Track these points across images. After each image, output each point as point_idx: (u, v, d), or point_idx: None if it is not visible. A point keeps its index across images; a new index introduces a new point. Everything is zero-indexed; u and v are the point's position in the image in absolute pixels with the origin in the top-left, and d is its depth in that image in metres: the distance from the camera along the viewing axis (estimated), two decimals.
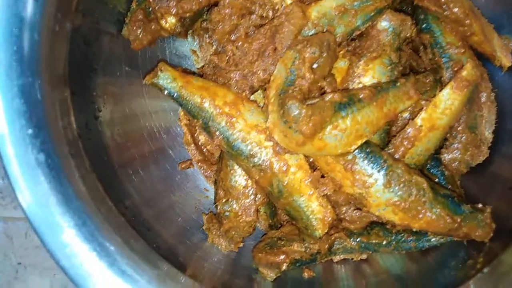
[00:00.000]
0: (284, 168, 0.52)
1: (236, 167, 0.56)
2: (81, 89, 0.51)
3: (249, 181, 0.55)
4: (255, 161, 0.52)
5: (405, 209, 0.49)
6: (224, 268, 0.57)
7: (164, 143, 0.64)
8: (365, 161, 0.50)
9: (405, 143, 0.51)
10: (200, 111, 0.53)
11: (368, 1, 0.53)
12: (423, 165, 0.54)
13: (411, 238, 0.55)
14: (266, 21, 0.55)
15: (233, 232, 0.57)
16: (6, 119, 0.39)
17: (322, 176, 0.53)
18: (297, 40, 0.50)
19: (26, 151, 0.39)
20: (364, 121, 0.48)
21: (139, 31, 0.58)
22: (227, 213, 0.56)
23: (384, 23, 0.53)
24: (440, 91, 0.52)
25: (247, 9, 0.55)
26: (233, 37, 0.56)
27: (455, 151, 0.55)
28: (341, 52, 0.55)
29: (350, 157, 0.50)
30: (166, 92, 0.54)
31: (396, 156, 0.52)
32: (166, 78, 0.54)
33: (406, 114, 0.54)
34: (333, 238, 0.56)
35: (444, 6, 0.54)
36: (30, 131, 0.39)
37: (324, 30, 0.52)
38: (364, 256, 0.59)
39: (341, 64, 0.54)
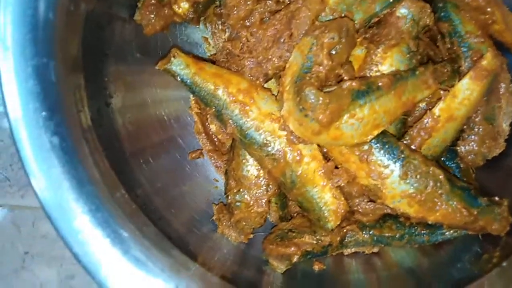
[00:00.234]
0: (298, 158, 0.51)
1: (248, 156, 0.55)
2: (93, 74, 0.50)
3: (261, 171, 0.54)
4: (269, 150, 0.51)
5: (420, 201, 0.48)
6: (234, 259, 0.57)
7: (175, 132, 0.64)
8: (381, 152, 0.49)
9: (422, 133, 0.50)
10: (213, 99, 0.52)
11: None
12: (439, 156, 0.53)
13: (424, 231, 0.54)
14: (282, 6, 0.54)
15: (244, 223, 0.56)
16: (20, 101, 0.38)
17: (336, 167, 0.52)
18: (315, 26, 0.49)
19: (39, 134, 0.38)
20: (382, 110, 0.47)
21: (152, 16, 0.57)
22: (238, 204, 0.55)
23: (403, 10, 0.52)
24: (459, 81, 0.51)
25: None
26: (247, 23, 0.55)
27: (472, 143, 0.54)
28: (359, 39, 0.53)
29: (366, 147, 0.49)
30: (179, 78, 0.53)
31: (413, 147, 0.51)
32: (179, 64, 0.53)
33: (422, 104, 0.53)
34: (345, 230, 0.56)
35: None
36: (44, 113, 0.39)
37: (342, 16, 0.51)
38: (375, 250, 0.58)
39: (358, 52, 0.53)
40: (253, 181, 0.55)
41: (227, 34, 0.59)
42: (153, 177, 0.56)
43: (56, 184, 0.38)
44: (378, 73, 0.51)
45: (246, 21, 0.54)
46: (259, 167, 0.54)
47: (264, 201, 0.55)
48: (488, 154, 0.55)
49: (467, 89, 0.51)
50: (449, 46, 0.56)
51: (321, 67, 0.47)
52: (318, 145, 0.51)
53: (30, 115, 0.38)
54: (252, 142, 0.52)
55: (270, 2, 0.54)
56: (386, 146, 0.49)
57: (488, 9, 0.52)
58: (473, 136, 0.54)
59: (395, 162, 0.48)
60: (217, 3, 0.60)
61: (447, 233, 0.54)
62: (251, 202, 0.55)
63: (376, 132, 0.48)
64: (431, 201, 0.48)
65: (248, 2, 0.53)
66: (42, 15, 0.40)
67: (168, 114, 0.63)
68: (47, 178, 0.38)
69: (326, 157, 0.52)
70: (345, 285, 0.57)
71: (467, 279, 0.48)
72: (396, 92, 0.48)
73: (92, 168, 0.40)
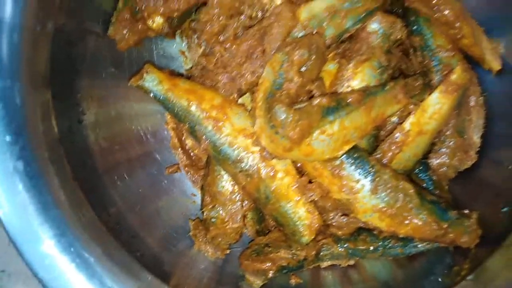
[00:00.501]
0: (272, 174, 0.51)
1: (223, 172, 0.55)
2: (64, 92, 0.50)
3: (236, 187, 0.54)
4: (242, 166, 0.51)
5: (391, 215, 0.49)
6: (211, 275, 0.57)
7: (151, 147, 0.63)
8: (352, 167, 0.49)
9: (393, 148, 0.51)
10: (186, 115, 0.52)
11: (358, 2, 0.52)
12: (411, 170, 0.54)
13: (398, 244, 0.55)
14: (256, 22, 0.54)
15: (220, 239, 0.56)
16: None
17: (310, 182, 0.52)
18: (286, 42, 0.49)
19: (4, 159, 0.38)
20: (352, 126, 0.48)
21: (125, 31, 0.56)
22: (213, 220, 0.55)
23: (374, 25, 0.53)
24: (429, 95, 0.52)
25: (236, 10, 0.54)
26: (221, 38, 0.55)
27: (443, 155, 0.55)
28: (331, 54, 0.54)
29: (337, 162, 0.49)
30: (152, 94, 0.53)
31: (384, 161, 0.52)
32: (152, 80, 0.53)
33: (394, 118, 0.54)
34: (320, 244, 0.56)
35: (435, 8, 0.54)
36: (8, 137, 0.38)
37: (314, 32, 0.51)
38: (351, 262, 0.59)
39: (330, 67, 0.53)
40: (228, 197, 0.55)
41: (202, 49, 0.59)
42: (128, 193, 0.56)
43: (21, 209, 0.38)
44: (349, 88, 0.51)
45: (220, 36, 0.55)
46: (234, 182, 0.54)
47: (239, 217, 0.55)
48: (459, 167, 0.56)
49: (437, 103, 0.52)
50: (421, 59, 0.56)
51: (292, 84, 0.47)
52: (292, 160, 0.52)
53: None
54: (226, 158, 0.52)
55: (244, 17, 0.54)
56: (357, 161, 0.49)
57: (457, 24, 0.53)
58: (444, 149, 0.55)
59: (366, 177, 0.49)
60: (192, 17, 0.60)
61: (419, 245, 0.55)
62: (226, 218, 0.55)
63: (347, 148, 0.48)
64: (401, 215, 0.49)
65: (222, 18, 0.54)
66: (6, 37, 0.39)
67: (145, 129, 0.63)
68: (12, 203, 0.38)
69: (301, 172, 0.53)
70: None
71: None
72: (366, 107, 0.48)
73: (58, 191, 0.40)
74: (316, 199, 0.51)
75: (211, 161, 0.56)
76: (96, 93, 0.57)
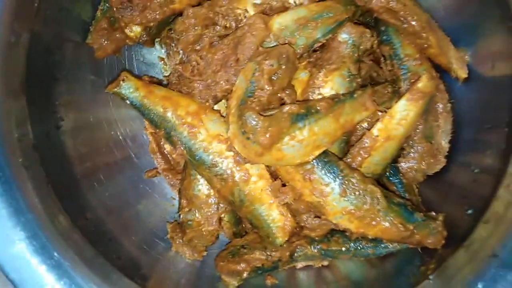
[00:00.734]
0: (245, 178, 0.53)
1: (199, 176, 0.56)
2: (41, 99, 0.51)
3: (212, 190, 0.56)
4: (217, 170, 0.53)
5: (360, 217, 0.50)
6: (189, 277, 0.58)
7: (130, 151, 0.65)
8: (323, 171, 0.51)
9: (362, 152, 0.53)
10: (162, 121, 0.54)
11: (329, 13, 0.54)
12: (381, 173, 0.56)
13: (369, 245, 0.57)
14: (230, 31, 0.56)
15: (196, 241, 0.58)
16: None
17: (284, 185, 0.54)
18: (258, 52, 0.51)
19: None
20: (321, 132, 0.50)
21: (103, 39, 0.58)
22: (190, 222, 0.57)
23: (344, 35, 0.55)
24: (396, 102, 0.54)
25: (211, 20, 0.56)
26: (197, 47, 0.56)
27: (412, 160, 0.57)
28: (303, 63, 0.56)
29: (308, 166, 0.51)
30: (128, 101, 0.54)
31: (354, 165, 0.54)
32: (128, 88, 0.54)
33: (365, 124, 0.56)
34: (294, 245, 0.57)
35: (402, 19, 0.56)
36: None
37: (285, 42, 0.53)
38: (325, 263, 0.60)
39: (302, 75, 0.55)
40: (204, 200, 0.56)
41: (179, 56, 0.60)
42: (107, 198, 0.57)
43: None
44: (320, 96, 0.53)
45: (196, 45, 0.56)
46: (210, 186, 0.56)
47: (214, 220, 0.56)
48: (428, 171, 0.58)
49: (403, 110, 0.54)
50: (391, 68, 0.59)
51: (263, 92, 0.49)
52: (266, 165, 0.53)
53: None
54: (201, 162, 0.53)
55: (219, 27, 0.56)
56: (327, 165, 0.51)
57: (423, 34, 0.55)
58: (412, 154, 0.57)
59: (335, 180, 0.51)
60: (170, 26, 0.62)
61: (390, 246, 0.56)
62: (202, 221, 0.56)
63: (317, 153, 0.50)
64: (369, 217, 0.51)
65: (197, 27, 0.55)
66: None
67: (124, 134, 0.64)
68: None
69: (275, 175, 0.54)
70: None
71: None
72: (334, 114, 0.50)
73: (31, 195, 0.41)
74: (289, 202, 0.53)
75: (188, 165, 0.58)
76: (75, 99, 0.58)
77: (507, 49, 0.50)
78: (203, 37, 0.56)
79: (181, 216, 0.58)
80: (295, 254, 0.58)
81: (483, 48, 0.57)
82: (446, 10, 0.60)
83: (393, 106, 0.54)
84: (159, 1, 0.54)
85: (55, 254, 0.39)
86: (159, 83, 0.64)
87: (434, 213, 0.54)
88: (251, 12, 0.55)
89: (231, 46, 0.54)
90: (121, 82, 0.54)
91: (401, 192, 0.59)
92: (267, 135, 0.47)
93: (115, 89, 0.54)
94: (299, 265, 0.60)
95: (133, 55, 0.67)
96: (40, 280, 0.39)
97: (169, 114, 0.53)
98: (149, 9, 0.54)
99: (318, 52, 0.57)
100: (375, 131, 0.53)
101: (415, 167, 0.57)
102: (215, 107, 0.56)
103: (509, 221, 0.43)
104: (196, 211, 0.56)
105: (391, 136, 0.54)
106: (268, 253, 0.57)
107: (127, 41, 0.58)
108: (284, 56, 0.49)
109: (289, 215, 0.54)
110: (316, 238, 0.58)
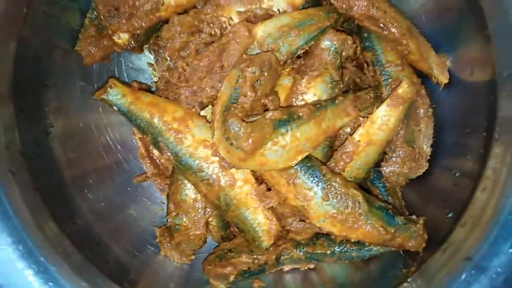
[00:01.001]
0: (231, 182, 0.54)
1: (186, 181, 0.57)
2: (30, 105, 0.52)
3: (199, 195, 0.57)
4: (203, 175, 0.54)
5: (342, 221, 0.52)
6: (178, 280, 0.59)
7: (120, 156, 0.66)
8: (306, 175, 0.52)
9: (345, 157, 0.54)
10: (149, 127, 0.55)
11: (311, 21, 0.55)
12: (364, 178, 0.57)
13: (353, 248, 0.58)
14: (216, 38, 0.57)
15: (184, 245, 0.59)
16: None
17: (269, 189, 0.55)
18: (241, 59, 0.53)
19: None
20: (304, 137, 0.51)
21: (91, 46, 0.59)
22: (177, 226, 0.58)
23: (326, 42, 0.56)
24: (377, 107, 0.55)
25: (196, 27, 0.57)
26: (184, 54, 0.58)
27: (394, 164, 0.58)
28: (286, 70, 0.57)
29: (292, 171, 0.52)
30: (115, 108, 0.56)
31: (337, 169, 0.55)
32: (115, 94, 0.55)
33: (348, 129, 0.57)
34: (280, 249, 0.59)
35: (383, 26, 0.57)
36: None
37: (269, 49, 0.54)
38: (311, 266, 0.61)
39: (286, 82, 0.56)
40: (191, 205, 0.57)
41: (167, 63, 0.61)
42: (96, 203, 0.58)
43: None
44: (303, 102, 0.54)
45: (182, 52, 0.57)
46: (197, 191, 0.57)
47: (201, 224, 0.57)
48: (410, 175, 0.59)
49: (384, 115, 0.55)
50: (373, 74, 0.60)
51: (246, 98, 0.50)
52: (251, 169, 0.54)
53: None
54: (187, 168, 0.54)
55: (205, 34, 0.57)
56: (310, 170, 0.52)
57: (403, 41, 0.57)
58: (394, 158, 0.58)
59: (317, 185, 0.52)
60: (158, 33, 0.63)
61: (373, 249, 0.58)
62: (189, 225, 0.57)
63: (300, 157, 0.51)
64: (351, 220, 0.52)
65: (183, 35, 0.56)
66: None
67: (113, 139, 0.65)
68: None
69: (260, 180, 0.56)
70: None
71: None
72: (316, 120, 0.51)
73: (18, 200, 0.42)
74: (274, 206, 0.54)
75: (175, 170, 0.59)
76: (64, 105, 0.59)
77: (484, 56, 0.52)
78: (189, 44, 0.57)
79: (169, 221, 0.58)
80: (281, 258, 0.59)
81: (462, 54, 0.58)
82: (427, 17, 0.62)
83: (374, 111, 0.55)
84: (145, 9, 0.55)
85: (42, 259, 0.40)
86: (148, 89, 0.65)
87: (415, 217, 0.55)
88: (236, 20, 0.56)
89: (216, 53, 0.55)
90: (109, 88, 0.55)
91: (384, 196, 0.60)
92: (250, 141, 0.48)
93: (103, 96, 0.55)
94: (286, 268, 0.61)
95: (123, 61, 0.68)
96: (27, 284, 0.39)
97: (155, 120, 0.55)
98: (136, 17, 0.55)
99: (301, 58, 0.58)
100: (356, 136, 0.54)
101: (397, 171, 0.58)
102: (201, 113, 0.57)
103: (484, 224, 0.44)
104: (184, 215, 0.57)
105: (373, 141, 0.55)
106: (255, 257, 0.58)
107: (115, 48, 0.59)
108: (266, 63, 0.51)
109: (275, 219, 0.55)
110: (302, 242, 0.59)
